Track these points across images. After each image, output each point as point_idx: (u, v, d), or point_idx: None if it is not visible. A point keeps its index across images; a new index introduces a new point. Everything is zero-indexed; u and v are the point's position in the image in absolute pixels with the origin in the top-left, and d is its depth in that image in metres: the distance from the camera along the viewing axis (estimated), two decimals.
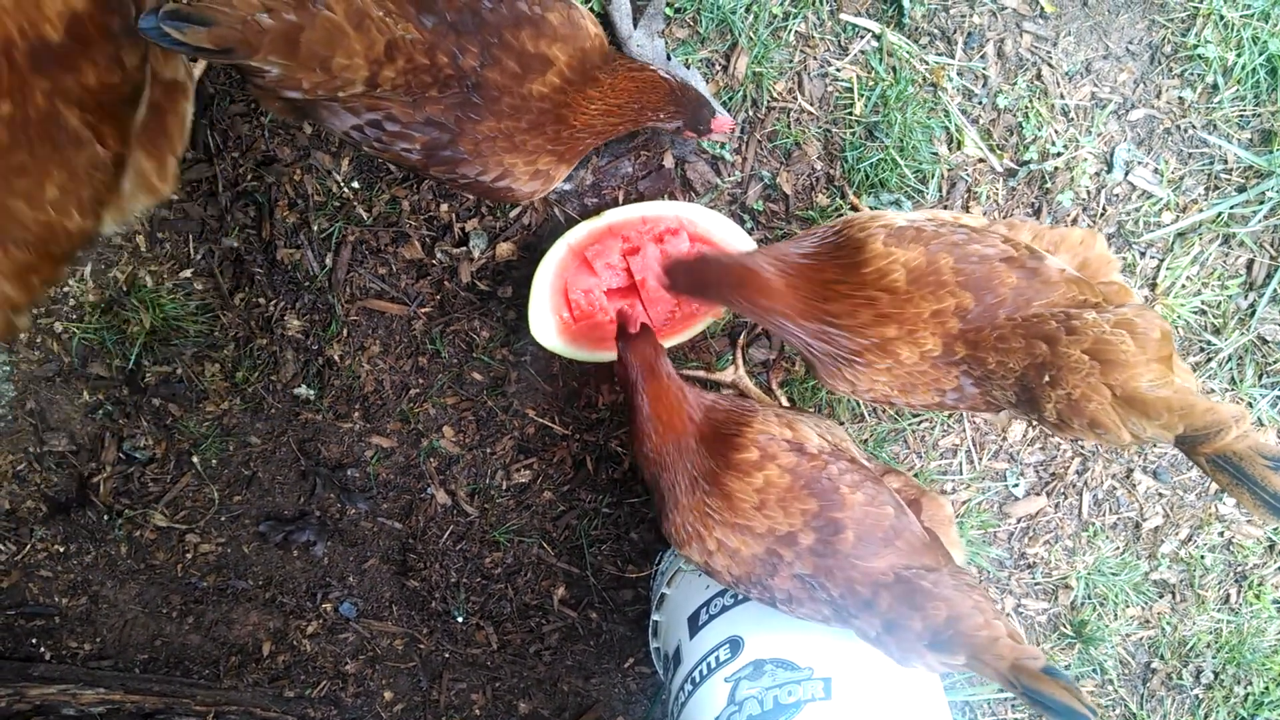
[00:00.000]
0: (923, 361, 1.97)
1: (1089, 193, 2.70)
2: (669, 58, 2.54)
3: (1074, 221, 2.72)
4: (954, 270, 1.92)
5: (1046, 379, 1.87)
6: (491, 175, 2.11)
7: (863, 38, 2.59)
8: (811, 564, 2.01)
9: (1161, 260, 2.75)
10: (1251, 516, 3.00)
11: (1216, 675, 3.14)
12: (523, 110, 2.04)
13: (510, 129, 2.05)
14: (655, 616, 2.72)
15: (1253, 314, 2.79)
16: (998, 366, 1.92)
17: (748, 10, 2.54)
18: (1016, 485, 2.94)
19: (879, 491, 2.08)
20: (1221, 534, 3.01)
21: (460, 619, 3.09)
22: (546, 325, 2.55)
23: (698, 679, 2.29)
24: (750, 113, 2.63)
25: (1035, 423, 2.06)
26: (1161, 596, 3.06)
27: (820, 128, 2.64)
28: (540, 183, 2.21)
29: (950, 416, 2.84)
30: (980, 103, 2.64)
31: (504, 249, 2.72)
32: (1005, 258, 1.93)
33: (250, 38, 1.68)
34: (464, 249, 2.72)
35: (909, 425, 2.86)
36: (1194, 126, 2.68)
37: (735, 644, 2.27)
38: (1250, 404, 2.86)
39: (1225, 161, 2.69)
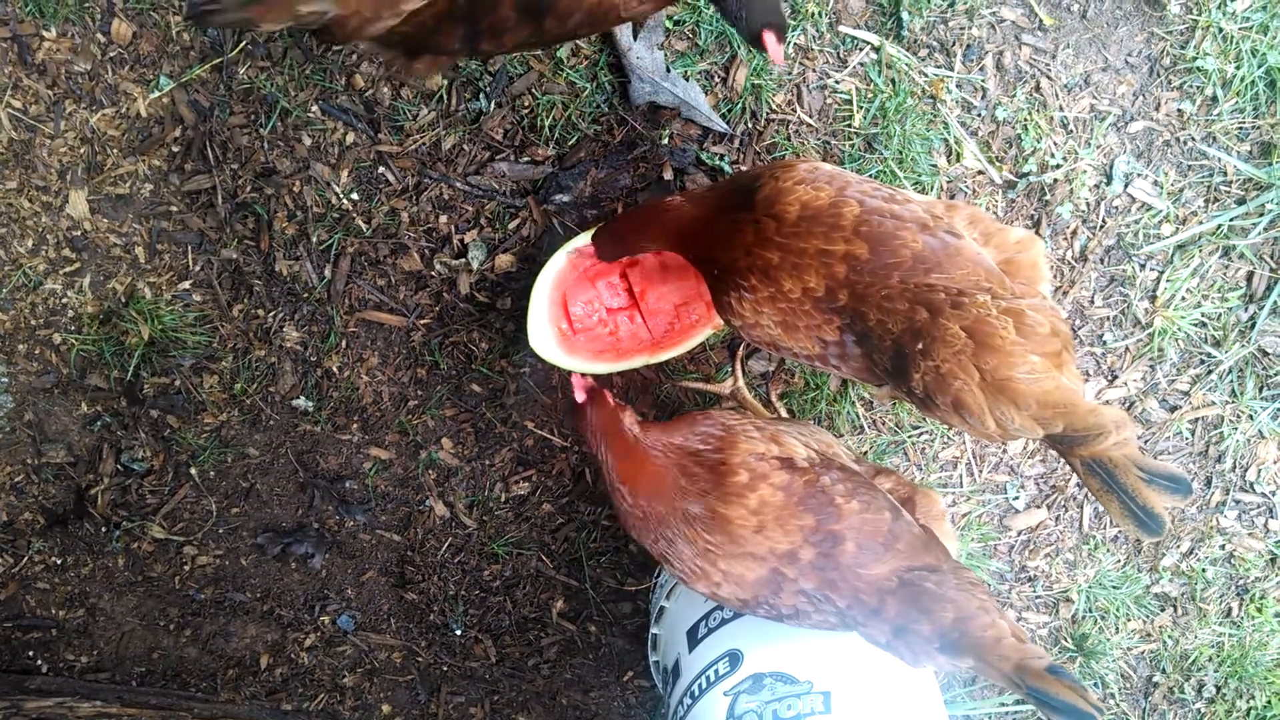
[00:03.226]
0: (805, 299, 1.96)
1: (1088, 205, 2.70)
2: (668, 70, 2.54)
3: (1073, 234, 2.72)
4: (856, 219, 1.91)
5: (919, 346, 1.84)
6: None
7: (861, 50, 2.59)
8: (815, 579, 2.00)
9: (1161, 272, 2.75)
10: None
11: (1218, 689, 3.13)
12: None
13: None
14: (654, 630, 2.71)
15: (1253, 326, 2.78)
16: (877, 325, 1.90)
17: None
18: (1017, 498, 2.93)
19: (874, 497, 2.07)
20: (1223, 547, 3.00)
21: (459, 632, 3.07)
22: (545, 337, 2.55)
23: (697, 693, 2.27)
24: (749, 125, 2.63)
25: (905, 398, 2.01)
26: (1163, 610, 3.05)
27: (819, 140, 2.64)
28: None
29: (950, 429, 2.84)
30: (979, 115, 2.65)
31: (503, 261, 2.72)
32: (920, 224, 1.92)
33: None
34: (463, 260, 2.72)
35: (909, 438, 2.85)
36: (1193, 139, 2.68)
37: (734, 657, 2.26)
38: (1251, 416, 2.85)
39: (1225, 174, 2.69)
